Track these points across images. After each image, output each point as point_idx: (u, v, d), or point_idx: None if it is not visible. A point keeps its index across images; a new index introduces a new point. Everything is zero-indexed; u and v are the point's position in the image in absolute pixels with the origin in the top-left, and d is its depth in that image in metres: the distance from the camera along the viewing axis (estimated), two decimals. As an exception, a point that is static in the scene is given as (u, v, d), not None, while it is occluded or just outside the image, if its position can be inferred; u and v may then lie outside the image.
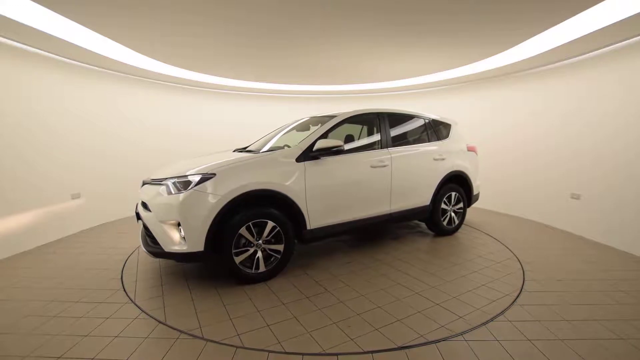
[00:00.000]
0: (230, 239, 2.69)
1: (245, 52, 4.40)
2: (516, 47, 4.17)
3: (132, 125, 5.58)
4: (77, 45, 3.89)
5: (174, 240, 2.64)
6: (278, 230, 2.88)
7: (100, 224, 4.92)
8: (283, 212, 2.92)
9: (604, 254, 3.60)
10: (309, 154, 3.05)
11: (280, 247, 2.92)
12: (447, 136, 4.29)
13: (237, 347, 1.98)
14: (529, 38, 3.79)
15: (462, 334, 2.11)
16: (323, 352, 1.93)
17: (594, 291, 2.71)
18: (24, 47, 3.83)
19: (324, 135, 3.21)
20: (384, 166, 3.51)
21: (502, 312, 2.37)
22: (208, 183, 2.65)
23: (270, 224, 2.83)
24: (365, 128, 4.14)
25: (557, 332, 2.12)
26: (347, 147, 3.91)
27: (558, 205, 4.66)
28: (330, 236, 3.32)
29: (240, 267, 2.78)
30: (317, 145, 3.05)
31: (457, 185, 4.26)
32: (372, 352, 1.93)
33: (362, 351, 1.93)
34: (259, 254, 2.84)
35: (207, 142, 6.54)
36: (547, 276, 3.00)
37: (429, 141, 4.08)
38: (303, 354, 1.91)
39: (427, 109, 4.95)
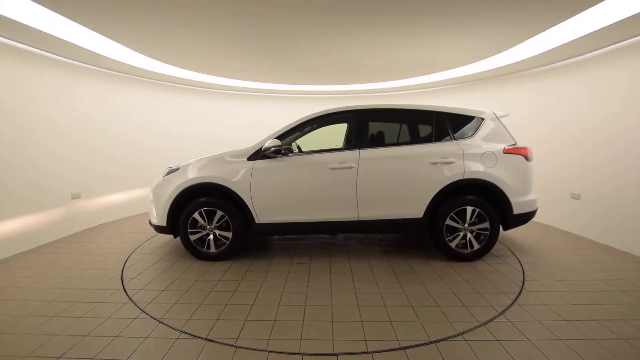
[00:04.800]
0: (185, 220, 3.30)
1: (246, 52, 4.40)
2: (516, 47, 4.17)
3: (132, 125, 5.58)
4: (77, 45, 3.89)
5: (153, 214, 3.46)
6: (227, 219, 3.31)
7: (100, 224, 4.92)
8: (232, 205, 3.30)
9: (604, 254, 3.60)
10: (259, 154, 3.29)
11: (229, 235, 3.34)
12: (471, 134, 3.39)
13: (236, 347, 1.98)
14: (530, 37, 3.78)
15: (462, 334, 2.11)
16: (322, 352, 1.94)
17: (594, 291, 2.70)
18: (25, 47, 3.83)
19: (283, 136, 3.36)
20: (348, 168, 3.23)
21: (502, 312, 2.37)
22: (172, 174, 3.40)
23: (219, 213, 3.30)
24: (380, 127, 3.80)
25: (557, 332, 2.12)
26: (310, 147, 3.79)
27: (558, 205, 4.66)
28: (284, 233, 3.56)
29: (194, 244, 3.36)
30: (265, 145, 3.26)
31: (480, 197, 3.26)
32: (372, 352, 1.93)
33: (362, 351, 1.94)
34: (210, 237, 3.37)
35: (207, 143, 6.54)
36: (547, 276, 3.00)
37: (434, 140, 3.37)
38: (303, 354, 1.91)
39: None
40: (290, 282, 2.91)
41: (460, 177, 3.22)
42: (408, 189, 3.27)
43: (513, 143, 3.43)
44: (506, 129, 3.49)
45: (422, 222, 3.29)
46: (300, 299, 2.59)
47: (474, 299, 2.56)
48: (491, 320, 2.26)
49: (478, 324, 2.22)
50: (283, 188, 3.28)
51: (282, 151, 3.28)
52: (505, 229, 3.38)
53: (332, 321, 2.27)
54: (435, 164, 3.24)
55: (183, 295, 2.67)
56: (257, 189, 3.24)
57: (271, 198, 3.27)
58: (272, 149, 3.22)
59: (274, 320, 2.29)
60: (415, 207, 3.27)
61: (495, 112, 3.54)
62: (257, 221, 3.30)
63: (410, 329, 2.16)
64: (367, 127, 3.42)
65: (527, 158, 3.36)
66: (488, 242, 3.31)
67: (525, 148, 3.39)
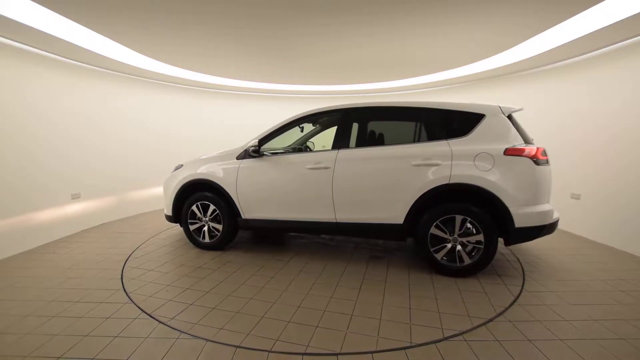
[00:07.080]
0: (185, 212, 3.69)
1: (246, 52, 4.40)
2: (516, 47, 4.17)
3: (132, 125, 5.57)
4: (77, 45, 3.89)
5: (165, 205, 3.90)
6: (218, 213, 3.58)
7: (100, 223, 4.92)
8: (223, 200, 3.55)
9: (603, 254, 3.60)
10: (246, 153, 3.48)
11: (220, 227, 3.61)
12: (466, 132, 2.95)
13: (237, 347, 1.98)
14: (531, 37, 3.77)
15: (462, 334, 2.11)
16: (322, 352, 1.94)
17: (594, 291, 2.71)
18: (25, 47, 3.83)
19: (267, 138, 3.47)
20: (324, 168, 3.16)
21: (502, 312, 2.37)
22: (177, 170, 3.84)
23: (212, 207, 3.59)
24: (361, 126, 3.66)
25: (557, 332, 2.13)
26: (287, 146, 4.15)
27: (558, 205, 4.64)
28: (269, 230, 3.88)
29: (193, 234, 3.74)
30: (247, 145, 3.47)
31: (473, 205, 2.84)
32: (372, 352, 1.93)
33: (361, 351, 1.94)
34: (205, 228, 3.69)
35: (207, 142, 6.54)
36: (547, 276, 3.00)
37: (421, 140, 3.09)
38: (303, 354, 1.91)
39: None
40: (255, 277, 3.02)
41: (446, 182, 2.84)
42: (386, 193, 3.02)
43: (520, 143, 2.86)
44: (514, 127, 2.93)
45: (402, 229, 3.00)
46: (251, 293, 2.70)
47: (427, 319, 2.29)
48: (491, 320, 2.26)
49: (409, 344, 2.01)
50: (264, 186, 3.41)
51: (260, 151, 3.44)
52: (507, 244, 2.88)
53: (262, 317, 2.34)
54: (418, 166, 2.92)
55: (160, 275, 2.87)
56: (241, 186, 3.45)
57: (254, 195, 3.44)
58: (252, 148, 3.41)
59: (213, 309, 2.44)
60: (394, 212, 3.01)
61: (502, 106, 2.99)
62: (242, 216, 3.52)
63: (330, 337, 2.09)
64: (346, 127, 3.28)
65: (536, 161, 2.78)
66: (481, 257, 2.86)
67: (534, 149, 2.82)
